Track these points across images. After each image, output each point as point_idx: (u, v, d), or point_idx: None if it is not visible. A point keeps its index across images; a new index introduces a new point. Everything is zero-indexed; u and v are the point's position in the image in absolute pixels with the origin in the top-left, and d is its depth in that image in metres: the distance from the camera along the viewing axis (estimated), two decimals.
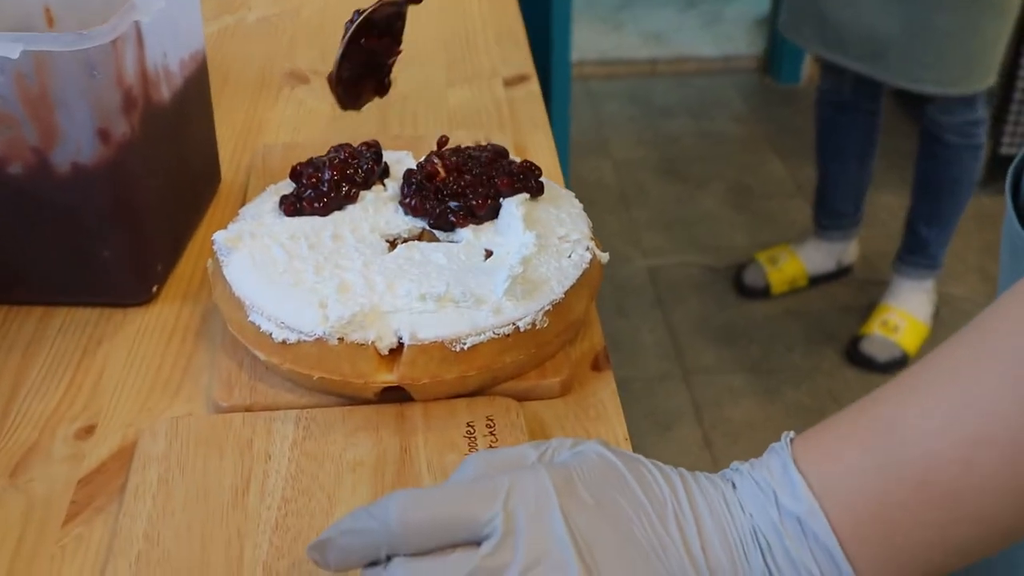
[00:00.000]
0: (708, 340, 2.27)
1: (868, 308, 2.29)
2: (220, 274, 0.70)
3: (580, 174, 2.65)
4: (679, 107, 3.24)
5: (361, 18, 0.78)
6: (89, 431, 0.66)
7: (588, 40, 3.44)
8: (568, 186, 0.83)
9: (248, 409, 0.66)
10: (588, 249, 0.71)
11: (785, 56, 3.34)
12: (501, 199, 0.73)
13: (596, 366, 0.70)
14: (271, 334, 0.65)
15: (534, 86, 1.07)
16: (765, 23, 3.58)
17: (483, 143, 0.82)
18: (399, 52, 0.81)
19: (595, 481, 0.50)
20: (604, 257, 0.73)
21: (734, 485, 0.51)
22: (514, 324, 0.64)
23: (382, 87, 0.83)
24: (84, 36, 0.66)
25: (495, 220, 0.73)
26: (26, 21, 0.82)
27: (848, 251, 2.41)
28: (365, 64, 0.81)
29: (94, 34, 0.67)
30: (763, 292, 2.38)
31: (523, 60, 1.12)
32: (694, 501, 0.50)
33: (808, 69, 3.35)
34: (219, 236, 0.71)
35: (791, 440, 0.52)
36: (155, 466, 0.62)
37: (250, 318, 0.66)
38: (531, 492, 0.48)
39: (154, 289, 0.77)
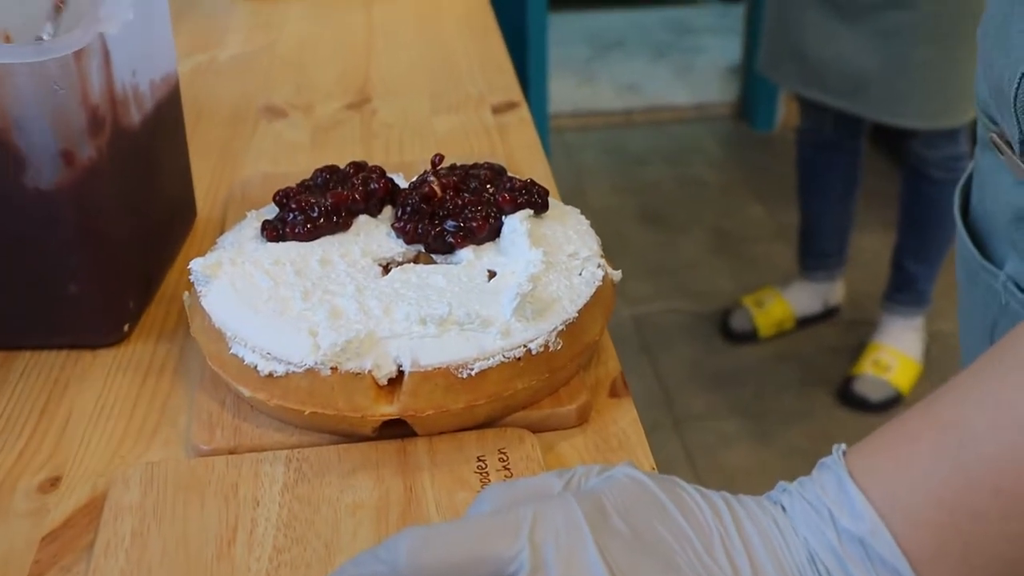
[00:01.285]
0: (697, 386, 2.22)
1: (857, 348, 2.25)
2: (198, 305, 0.65)
3: None
4: (655, 155, 3.23)
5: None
6: (54, 483, 0.59)
7: (561, 92, 3.43)
8: None
9: (232, 451, 0.60)
10: (599, 267, 0.66)
11: (759, 102, 3.33)
12: (503, 217, 0.68)
13: (614, 392, 0.65)
14: (256, 367, 0.59)
15: (524, 112, 1.03)
16: (737, 71, 3.58)
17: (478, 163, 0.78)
18: None
19: (630, 508, 0.44)
20: (616, 275, 0.68)
21: (784, 508, 0.46)
22: (525, 347, 0.59)
23: None
24: (44, 47, 0.61)
25: (496, 241, 0.68)
26: None
27: (834, 291, 2.37)
28: None
29: (55, 45, 0.61)
30: (751, 336, 2.34)
31: (510, 86, 1.08)
32: (742, 527, 0.45)
33: (783, 115, 3.35)
34: (196, 264, 0.66)
35: (844, 453, 0.46)
36: (128, 518, 0.55)
37: (232, 350, 0.61)
38: (560, 523, 0.43)
39: (126, 327, 0.71)
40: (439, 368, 0.57)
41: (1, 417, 0.64)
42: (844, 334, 2.35)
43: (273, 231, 0.69)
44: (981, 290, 0.70)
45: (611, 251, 2.67)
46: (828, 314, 2.39)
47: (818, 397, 2.18)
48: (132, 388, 0.66)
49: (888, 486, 0.44)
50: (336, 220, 0.69)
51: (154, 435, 0.62)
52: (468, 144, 0.96)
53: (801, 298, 2.36)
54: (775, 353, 2.32)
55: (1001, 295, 0.68)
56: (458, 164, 0.74)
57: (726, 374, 2.26)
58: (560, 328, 0.61)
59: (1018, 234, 0.66)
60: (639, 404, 2.14)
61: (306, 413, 0.58)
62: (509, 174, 0.73)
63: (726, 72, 3.67)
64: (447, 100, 1.06)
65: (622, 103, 3.48)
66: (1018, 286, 0.67)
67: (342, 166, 0.74)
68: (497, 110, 1.03)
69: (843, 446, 0.47)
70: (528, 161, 0.93)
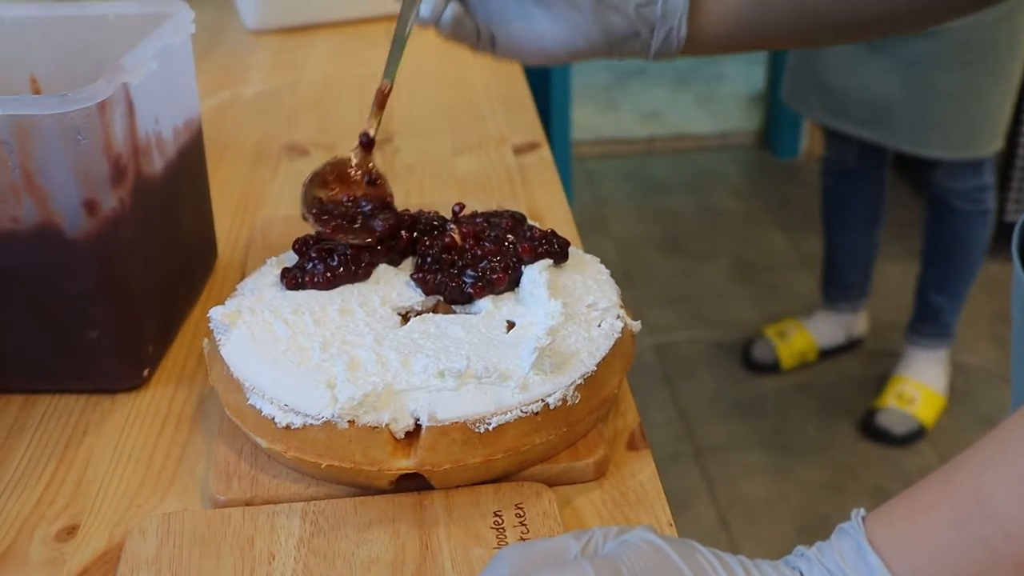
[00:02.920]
0: (719, 417, 2.21)
1: (880, 380, 2.23)
2: (217, 354, 0.65)
3: (584, 250, 2.62)
4: (678, 183, 3.22)
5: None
6: (71, 532, 0.59)
7: (583, 120, 3.43)
8: None
9: (249, 503, 0.60)
10: (619, 318, 0.66)
11: (783, 131, 3.32)
12: (522, 267, 0.68)
13: (633, 445, 0.64)
14: (273, 418, 0.59)
15: (545, 153, 1.03)
16: (760, 99, 3.57)
17: (498, 210, 0.77)
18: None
19: (648, 574, 0.44)
20: (636, 326, 0.68)
21: (801, 573, 0.45)
22: (543, 401, 0.59)
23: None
24: (68, 99, 0.61)
25: (516, 290, 0.68)
26: (9, 88, 0.77)
27: (857, 323, 2.36)
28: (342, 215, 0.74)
29: (79, 96, 0.61)
30: (773, 367, 2.33)
31: (532, 127, 1.08)
32: None
33: (806, 143, 3.34)
34: (215, 312, 0.66)
35: (863, 518, 0.46)
36: (145, 569, 0.55)
37: (250, 401, 0.61)
38: None
39: (145, 373, 0.71)
40: (457, 422, 0.57)
41: (21, 462, 0.64)
42: (867, 366, 2.33)
43: (293, 279, 0.69)
44: None
45: (633, 280, 2.66)
46: (851, 345, 2.37)
47: (840, 429, 2.16)
48: (150, 435, 0.67)
49: (908, 557, 0.43)
50: (356, 269, 0.69)
51: (172, 483, 0.62)
52: (489, 186, 0.96)
53: (824, 329, 2.34)
54: (797, 384, 2.30)
55: None
56: (479, 212, 0.74)
57: (748, 405, 2.24)
58: (578, 382, 0.60)
59: None
60: (660, 434, 2.12)
61: (323, 466, 0.58)
62: (529, 222, 0.73)
63: (749, 100, 3.67)
64: (469, 140, 1.06)
65: (644, 131, 3.48)
66: None
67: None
68: (519, 151, 1.03)
69: (862, 511, 0.47)
70: (548, 203, 0.92)
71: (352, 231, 0.70)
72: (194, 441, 0.66)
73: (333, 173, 0.73)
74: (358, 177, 0.74)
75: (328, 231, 0.69)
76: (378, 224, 0.70)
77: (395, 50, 0.71)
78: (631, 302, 2.80)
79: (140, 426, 0.67)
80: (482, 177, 0.98)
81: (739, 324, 2.49)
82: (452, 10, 0.71)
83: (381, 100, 0.72)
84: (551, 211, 0.91)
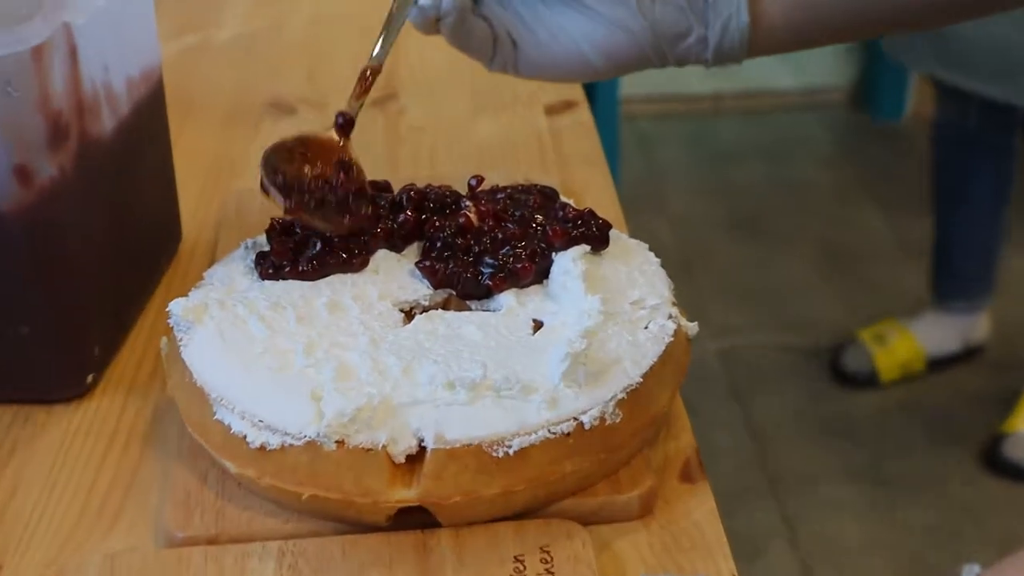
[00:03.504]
0: (801, 442, 2.21)
1: (1009, 399, 2.22)
2: (178, 357, 0.66)
3: (629, 232, 2.62)
4: (751, 151, 3.21)
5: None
6: None
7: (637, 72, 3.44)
8: None
9: (213, 541, 0.60)
10: (671, 318, 0.67)
11: (883, 86, 3.31)
12: (553, 254, 0.69)
13: (687, 476, 0.65)
14: (245, 437, 0.60)
15: (584, 114, 1.04)
16: (856, 47, 3.56)
17: (524, 184, 0.78)
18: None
19: None
20: (692, 328, 0.69)
21: None
22: (576, 419, 0.60)
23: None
24: None
25: (544, 283, 0.69)
26: None
27: (977, 327, 2.35)
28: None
29: (8, 38, 0.62)
30: (869, 380, 2.32)
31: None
32: None
33: (913, 102, 3.32)
34: (177, 306, 0.67)
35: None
36: None
37: (217, 415, 0.62)
38: None
39: (88, 379, 0.72)
40: (469, 444, 0.58)
41: None
42: (990, 381, 2.32)
43: (269, 267, 0.70)
44: None
45: (692, 270, 2.66)
46: (969, 354, 2.36)
47: (956, 460, 2.15)
48: (93, 456, 0.68)
49: None
50: (349, 256, 0.70)
51: (118, 516, 0.63)
52: (515, 155, 0.97)
53: (934, 334, 2.34)
54: (900, 402, 2.30)
55: None
56: (501, 186, 0.75)
57: (837, 427, 2.24)
58: (620, 396, 0.61)
59: None
60: (724, 461, 2.13)
61: (305, 497, 0.59)
62: (563, 200, 0.74)
63: (843, 50, 3.65)
64: (491, 97, 1.07)
65: (711, 85, 3.47)
66: None
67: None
68: (552, 111, 1.04)
69: (976, 568, 0.47)
70: (587, 176, 0.93)
71: (318, 215, 0.70)
72: (147, 464, 0.67)
73: (301, 149, 0.74)
74: (330, 161, 0.74)
75: (290, 207, 0.70)
76: (351, 212, 0.71)
77: (389, 28, 0.71)
78: (689, 298, 2.79)
79: (81, 445, 0.68)
80: (506, 144, 0.99)
81: (826, 326, 2.49)
82: (456, 5, 0.69)
83: (365, 84, 0.73)
84: (591, 186, 0.92)
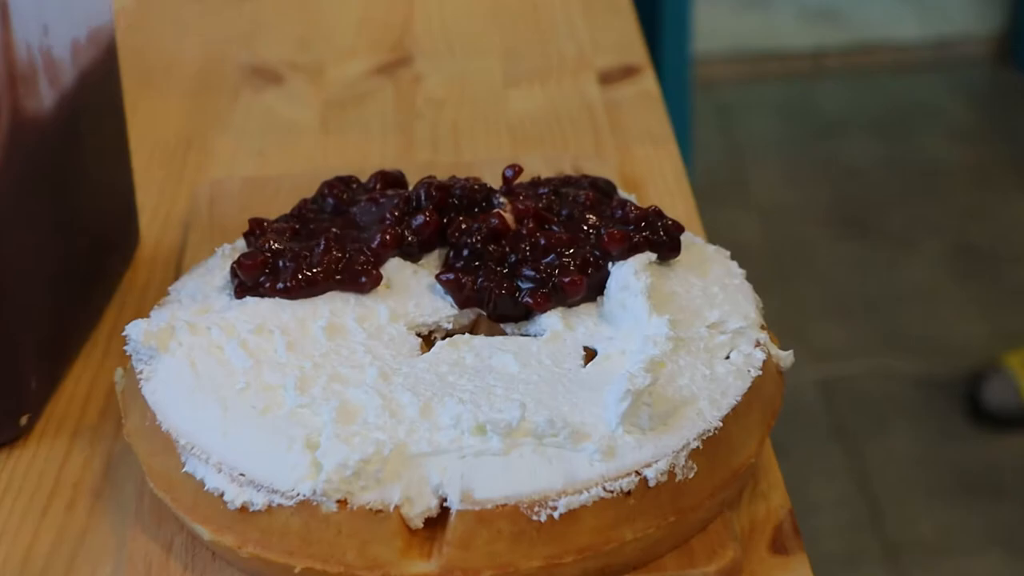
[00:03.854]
0: (927, 499, 2.20)
1: None
2: (137, 394, 0.67)
3: (707, 228, 2.59)
4: (862, 123, 3.21)
5: None
6: None
7: (713, 24, 3.43)
8: None
9: None
10: (759, 345, 0.67)
11: None
12: (609, 265, 0.70)
13: (779, 546, 0.65)
14: (222, 495, 0.61)
15: (648, 82, 1.05)
16: None
17: (573, 174, 0.79)
18: None
19: None
20: (786, 358, 0.69)
21: None
22: (639, 474, 0.60)
23: None
24: None
25: (597, 301, 0.70)
26: None
27: None
28: None
29: None
30: (1016, 417, 2.31)
31: (629, 41, 1.11)
32: None
33: None
34: (136, 329, 0.68)
35: None
36: None
37: (187, 468, 0.63)
38: None
39: (23, 419, 0.74)
40: (504, 505, 0.59)
41: None
42: None
43: (239, 286, 0.71)
44: None
45: (787, 278, 2.65)
46: None
47: None
48: (28, 517, 0.69)
49: None
50: (351, 266, 0.71)
51: None
52: (560, 136, 0.98)
53: None
54: None
55: None
56: (543, 178, 0.76)
57: (976, 479, 2.23)
58: (694, 445, 0.61)
59: None
60: (829, 522, 2.12)
61: (298, 570, 0.59)
62: (621, 194, 0.75)
63: None
64: (530, 61, 1.08)
65: (811, 39, 3.47)
66: None
67: (364, 178, 0.77)
68: (608, 79, 1.05)
69: None
70: (652, 162, 0.95)
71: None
72: (97, 528, 0.68)
73: None
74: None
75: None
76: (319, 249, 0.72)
77: None
78: (783, 315, 2.79)
79: (12, 503, 0.69)
80: (549, 121, 1.00)
81: (961, 348, 2.48)
82: None
83: None
84: (656, 174, 0.93)
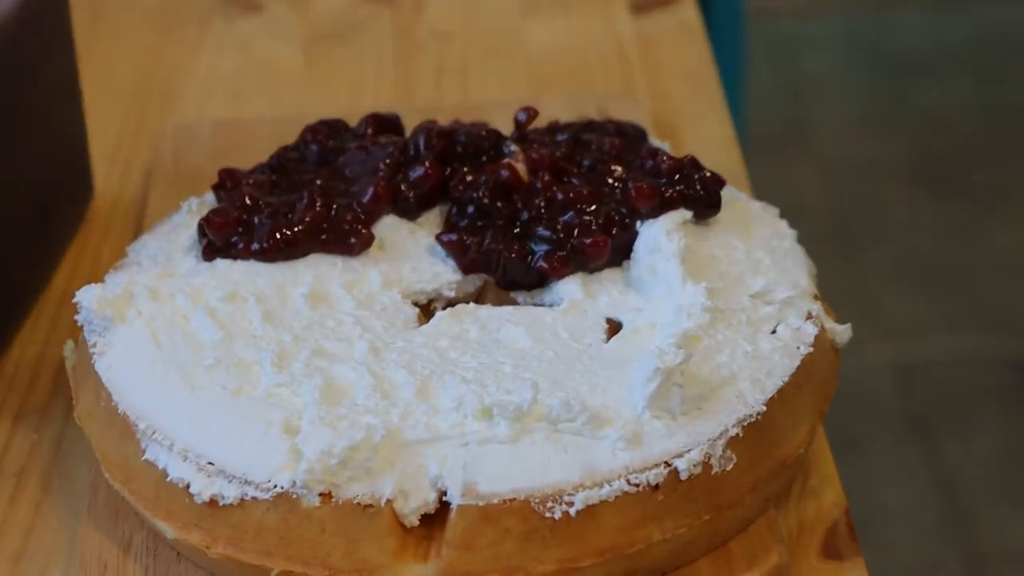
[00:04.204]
0: (1016, 500, 2.20)
1: None
2: (90, 370, 0.68)
3: (760, 184, 2.57)
4: (945, 60, 3.20)
5: None
6: None
7: None
8: None
9: None
10: (811, 318, 0.68)
11: None
12: (638, 224, 0.71)
13: (832, 550, 0.66)
14: (188, 486, 0.62)
15: (688, 11, 1.05)
16: None
17: (598, 118, 0.80)
18: None
19: None
20: (843, 334, 0.70)
21: None
22: (668, 465, 0.61)
23: None
24: None
25: (623, 265, 0.71)
26: None
27: None
28: None
29: None
30: None
31: None
32: None
33: None
34: (88, 296, 0.69)
35: None
36: None
37: (147, 455, 0.64)
38: None
39: None
40: (513, 500, 0.60)
41: None
42: None
43: (208, 247, 0.72)
44: None
45: (856, 241, 2.65)
46: None
47: None
48: None
49: None
50: (338, 225, 0.72)
51: None
52: (585, 74, 0.99)
53: None
54: None
55: None
56: (563, 123, 0.77)
57: None
58: (733, 432, 0.62)
59: None
60: (900, 526, 2.11)
61: (274, 573, 0.60)
62: (653, 142, 0.76)
63: None
64: None
65: None
66: None
67: (353, 122, 0.79)
68: (640, 7, 1.05)
69: None
70: (691, 105, 0.95)
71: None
72: (45, 524, 0.69)
73: None
74: None
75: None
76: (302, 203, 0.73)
77: None
78: (848, 286, 2.78)
79: None
80: (572, 57, 1.01)
81: None
82: None
83: None
84: (696, 119, 0.94)
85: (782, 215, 0.76)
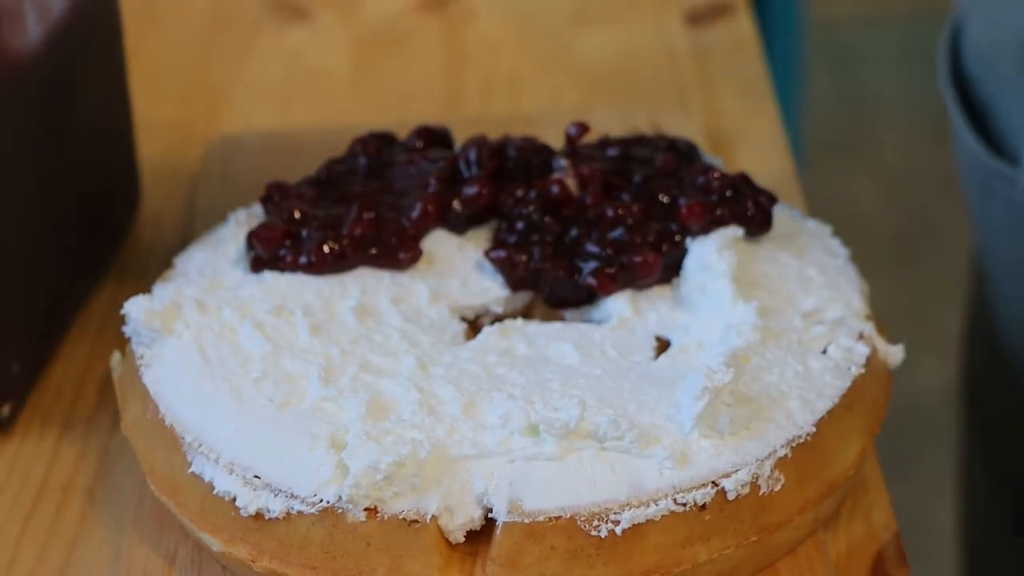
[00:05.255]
0: None
1: None
2: (137, 382, 0.69)
3: (818, 195, 2.54)
4: None
5: None
6: None
7: None
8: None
9: None
10: (863, 338, 0.69)
11: None
12: (687, 240, 0.72)
13: (880, 573, 0.66)
14: (235, 500, 0.63)
15: (743, 23, 1.06)
16: None
17: (649, 132, 0.81)
18: None
19: None
20: (895, 355, 0.71)
21: None
22: (716, 485, 0.62)
23: None
24: None
25: (673, 283, 0.72)
26: None
27: None
28: None
29: None
30: None
31: None
32: None
33: None
34: (136, 307, 0.70)
35: None
36: None
37: (193, 468, 0.65)
38: None
39: (5, 409, 0.76)
40: (559, 518, 0.60)
41: None
42: None
43: (256, 259, 0.74)
44: (999, 207, 0.82)
45: (917, 255, 2.63)
46: None
47: None
48: (11, 522, 0.71)
49: None
50: (387, 239, 0.73)
51: None
52: (637, 86, 0.99)
53: None
54: None
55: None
56: (614, 138, 0.77)
57: None
58: (782, 453, 0.63)
59: None
60: (954, 550, 2.06)
61: None
62: (705, 157, 0.77)
63: None
64: None
65: None
66: None
67: (400, 132, 0.80)
68: (695, 17, 1.06)
69: None
70: (743, 122, 0.96)
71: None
72: (90, 536, 0.70)
73: None
74: None
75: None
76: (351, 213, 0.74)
77: None
78: (908, 304, 2.74)
79: None
80: (624, 68, 1.01)
81: None
82: None
83: None
84: (749, 134, 0.94)
85: (839, 227, 0.76)
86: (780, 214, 0.75)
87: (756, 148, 0.94)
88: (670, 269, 0.71)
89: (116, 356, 0.73)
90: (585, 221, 0.72)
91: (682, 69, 1.02)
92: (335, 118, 0.99)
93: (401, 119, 0.89)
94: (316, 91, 1.04)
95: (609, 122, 0.90)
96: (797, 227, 0.76)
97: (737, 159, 0.92)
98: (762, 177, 0.80)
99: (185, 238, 0.87)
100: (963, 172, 0.94)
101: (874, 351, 0.69)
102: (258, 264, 0.73)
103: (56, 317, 0.82)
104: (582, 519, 0.60)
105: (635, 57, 1.03)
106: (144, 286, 0.75)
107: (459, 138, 0.81)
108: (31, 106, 0.77)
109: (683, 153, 0.76)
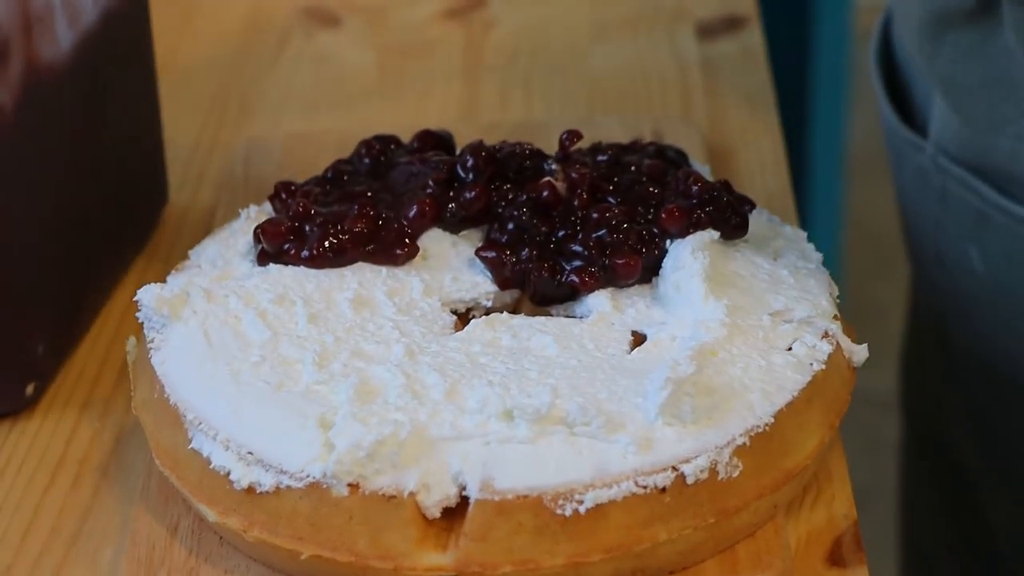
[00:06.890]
0: None
1: None
2: (146, 364, 0.73)
3: (862, 204, 2.52)
4: None
5: None
6: None
7: None
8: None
9: None
10: (827, 336, 0.72)
11: None
12: (667, 243, 0.75)
13: (836, 558, 0.69)
14: (229, 474, 0.67)
15: (753, 37, 1.08)
16: None
17: (644, 140, 0.84)
18: None
19: None
20: (859, 354, 0.74)
21: None
22: (676, 470, 0.65)
23: None
24: None
25: (652, 282, 0.75)
26: None
27: None
28: None
29: None
30: None
31: None
32: None
33: None
34: (148, 294, 0.74)
35: None
36: None
37: (193, 444, 0.69)
38: None
39: (29, 389, 0.79)
40: (528, 496, 0.64)
41: None
42: None
43: (262, 253, 0.78)
44: (910, 174, 0.87)
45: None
46: None
47: None
48: (30, 493, 0.75)
49: None
50: (384, 235, 0.77)
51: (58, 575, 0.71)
52: (646, 95, 1.02)
53: None
54: None
55: (932, 175, 0.83)
56: (605, 144, 0.81)
57: None
58: (741, 441, 0.66)
59: (934, 47, 0.79)
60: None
61: (305, 557, 0.65)
62: (694, 165, 0.80)
63: None
64: (618, 11, 1.11)
65: None
66: (950, 155, 0.79)
67: (406, 138, 0.84)
68: (706, 31, 1.09)
69: None
70: (745, 133, 0.99)
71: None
72: (101, 507, 0.74)
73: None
74: None
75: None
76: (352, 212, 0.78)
77: None
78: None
79: (13, 478, 0.76)
80: (634, 78, 1.04)
81: None
82: None
83: None
84: (750, 144, 0.97)
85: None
86: (758, 219, 0.78)
87: (755, 158, 0.97)
88: (650, 270, 0.75)
89: (131, 341, 0.77)
90: (572, 223, 0.76)
91: (690, 80, 1.04)
92: (359, 122, 1.02)
93: (419, 123, 0.91)
94: (342, 95, 1.07)
95: (614, 129, 0.94)
96: (774, 232, 0.79)
97: (736, 168, 0.95)
98: (758, 186, 0.83)
99: (207, 234, 0.88)
100: (887, 148, 1.01)
101: (837, 348, 0.72)
102: (264, 257, 0.77)
103: (82, 306, 0.85)
104: (548, 498, 0.64)
105: (646, 68, 1.06)
106: (166, 271, 0.79)
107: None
108: (64, 109, 0.80)
109: (670, 160, 0.80)
